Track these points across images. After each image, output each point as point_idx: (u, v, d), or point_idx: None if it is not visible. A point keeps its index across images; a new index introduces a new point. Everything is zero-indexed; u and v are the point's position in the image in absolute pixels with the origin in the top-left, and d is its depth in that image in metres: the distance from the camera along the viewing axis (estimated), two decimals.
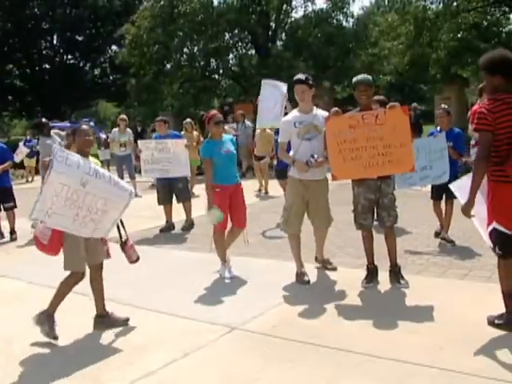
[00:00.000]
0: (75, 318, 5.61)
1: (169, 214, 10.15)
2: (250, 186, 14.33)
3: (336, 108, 6.19)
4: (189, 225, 10.12)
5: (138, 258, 5.69)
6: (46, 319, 5.14)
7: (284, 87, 8.68)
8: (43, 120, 11.66)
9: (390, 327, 5.00)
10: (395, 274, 6.21)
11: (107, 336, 5.19)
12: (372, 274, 6.30)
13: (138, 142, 11.14)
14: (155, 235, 9.76)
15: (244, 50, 31.79)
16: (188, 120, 15.31)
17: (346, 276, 6.63)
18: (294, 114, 6.58)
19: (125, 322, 5.47)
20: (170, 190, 10.06)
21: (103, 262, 5.48)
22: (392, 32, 28.00)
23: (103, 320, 5.44)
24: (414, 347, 4.55)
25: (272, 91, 8.76)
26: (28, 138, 21.81)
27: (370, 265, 6.34)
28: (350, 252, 7.63)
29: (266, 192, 14.30)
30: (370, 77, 6.16)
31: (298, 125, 6.35)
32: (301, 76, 6.50)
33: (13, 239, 9.98)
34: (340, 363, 4.35)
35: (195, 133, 14.63)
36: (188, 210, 10.10)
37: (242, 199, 7.08)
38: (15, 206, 10.19)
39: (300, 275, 6.58)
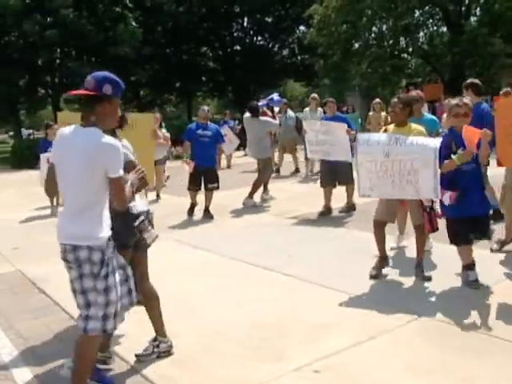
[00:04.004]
0: (255, 291, 5.82)
1: (328, 197, 9.75)
2: None
3: (508, 88, 5.72)
4: (348, 208, 9.75)
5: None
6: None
7: None
8: (257, 103, 12.09)
9: None
10: None
11: (287, 312, 5.29)
12: None
13: (303, 122, 11.13)
14: (320, 218, 9.70)
15: (435, 27, 30.62)
16: (377, 100, 15.13)
17: None
18: None
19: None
20: (332, 172, 9.71)
21: (419, 224, 6.16)
22: None
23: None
24: None
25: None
26: (226, 119, 22.28)
27: None
28: None
29: None
30: None
31: None
32: None
33: (207, 217, 10.13)
34: None
35: (383, 113, 14.40)
36: (349, 194, 9.64)
37: None
38: (218, 187, 10.34)
39: None
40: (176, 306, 5.54)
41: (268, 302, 5.59)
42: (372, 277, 6.12)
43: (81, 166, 3.55)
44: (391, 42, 29.80)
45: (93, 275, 3.63)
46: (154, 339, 4.55)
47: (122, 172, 3.59)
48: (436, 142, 5.65)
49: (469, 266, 5.64)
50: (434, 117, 7.66)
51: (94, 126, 3.61)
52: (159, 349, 4.51)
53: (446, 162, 5.36)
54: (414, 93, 7.36)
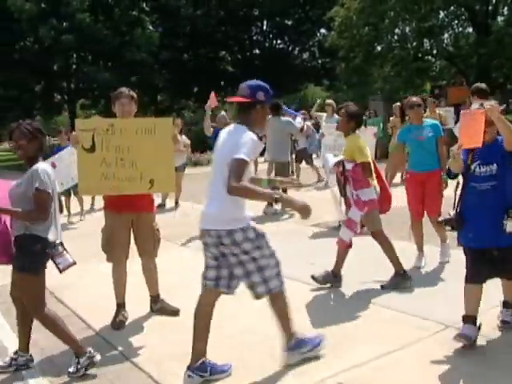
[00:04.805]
0: None
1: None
2: None
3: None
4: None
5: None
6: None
7: None
8: (280, 101, 11.97)
9: None
10: None
11: (309, 321, 5.27)
12: None
13: (322, 125, 10.95)
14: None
15: (460, 28, 30.45)
16: (397, 104, 14.99)
17: None
18: None
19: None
20: None
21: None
22: None
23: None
24: None
25: None
26: None
27: None
28: None
29: None
30: None
31: None
32: None
33: None
34: None
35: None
36: None
37: (435, 188, 6.82)
38: None
39: None
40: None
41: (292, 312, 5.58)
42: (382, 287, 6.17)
43: (227, 157, 3.99)
44: (415, 44, 29.66)
45: (258, 248, 4.20)
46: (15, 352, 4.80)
47: (245, 157, 3.92)
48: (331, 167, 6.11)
49: (465, 319, 4.60)
50: (435, 121, 7.47)
51: (244, 125, 4.16)
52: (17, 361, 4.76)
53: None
54: (414, 98, 7.22)
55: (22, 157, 4.56)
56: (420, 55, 30.14)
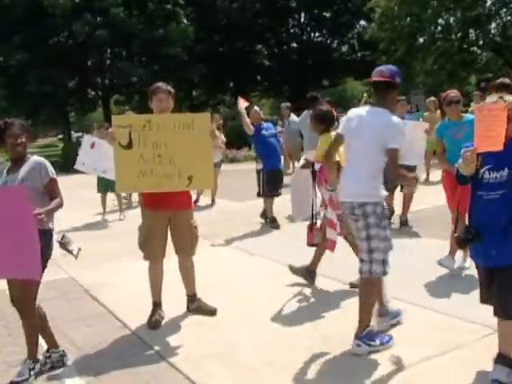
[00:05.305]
0: (316, 301, 5.78)
1: (389, 202, 8.97)
2: None
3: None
4: (404, 220, 9.30)
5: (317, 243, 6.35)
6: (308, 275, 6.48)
7: None
8: (316, 94, 11.70)
9: None
10: None
11: (351, 324, 5.20)
12: None
13: None
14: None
15: (509, 17, 29.88)
16: (432, 98, 14.59)
17: None
18: None
19: None
20: None
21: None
22: None
23: None
24: None
25: None
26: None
27: None
28: None
29: None
30: None
31: None
32: None
33: (273, 227, 9.93)
34: None
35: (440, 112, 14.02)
36: (406, 202, 9.32)
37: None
38: (280, 194, 10.11)
39: None
40: (234, 314, 5.60)
41: (331, 313, 5.58)
42: None
43: (372, 138, 4.48)
44: (459, 34, 29.22)
45: (377, 225, 4.55)
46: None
47: (400, 146, 4.42)
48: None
49: (497, 357, 4.07)
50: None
51: (382, 108, 4.55)
52: (51, 359, 4.76)
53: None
54: (452, 94, 6.99)
55: (20, 154, 4.61)
56: (465, 46, 29.67)
